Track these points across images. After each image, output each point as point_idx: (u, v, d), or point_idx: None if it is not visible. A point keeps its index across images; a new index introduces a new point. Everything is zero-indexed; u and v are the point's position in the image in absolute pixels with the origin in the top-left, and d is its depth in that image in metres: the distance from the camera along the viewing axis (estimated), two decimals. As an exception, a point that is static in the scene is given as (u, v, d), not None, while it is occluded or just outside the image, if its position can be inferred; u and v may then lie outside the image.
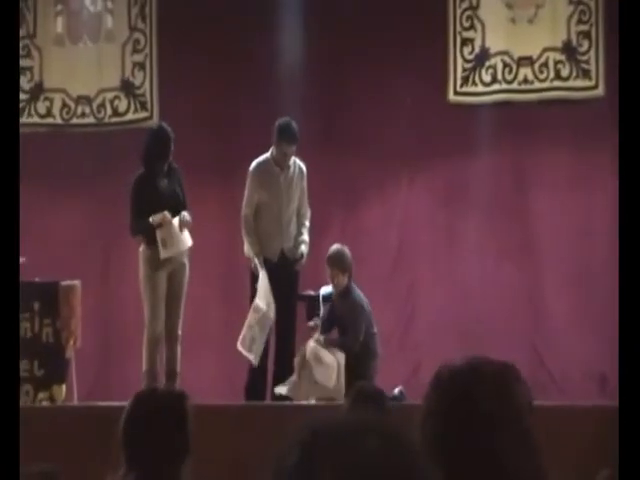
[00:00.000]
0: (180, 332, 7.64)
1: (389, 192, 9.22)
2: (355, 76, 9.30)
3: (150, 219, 7.49)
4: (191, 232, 7.65)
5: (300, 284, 8.03)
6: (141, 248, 7.64)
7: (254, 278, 7.66)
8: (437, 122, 9.12)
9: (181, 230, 7.56)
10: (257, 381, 7.61)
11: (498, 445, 1.71)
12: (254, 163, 7.73)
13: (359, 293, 7.82)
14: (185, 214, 7.60)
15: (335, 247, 7.87)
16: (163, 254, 7.46)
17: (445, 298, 9.04)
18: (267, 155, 7.73)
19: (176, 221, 7.56)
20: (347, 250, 7.81)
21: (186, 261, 7.67)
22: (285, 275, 7.71)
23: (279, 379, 7.62)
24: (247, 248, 7.73)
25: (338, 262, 7.73)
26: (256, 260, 7.66)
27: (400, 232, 9.17)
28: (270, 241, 7.72)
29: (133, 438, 3.04)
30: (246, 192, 7.77)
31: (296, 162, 7.81)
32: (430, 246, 9.19)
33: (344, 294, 7.75)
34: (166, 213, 7.49)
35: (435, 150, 9.19)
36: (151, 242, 7.53)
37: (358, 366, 7.48)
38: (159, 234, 7.47)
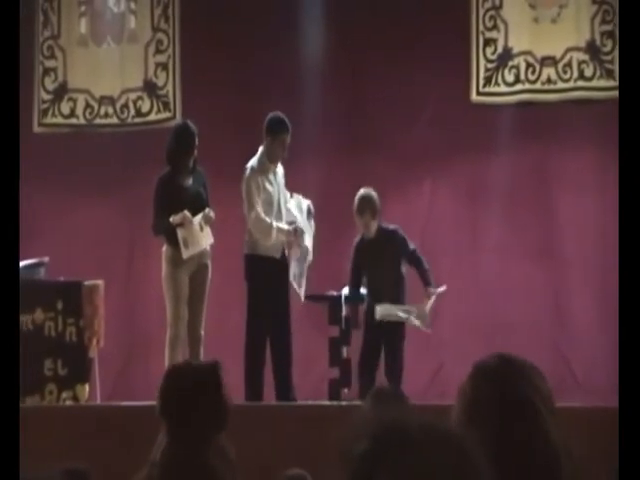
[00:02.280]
0: (202, 332, 7.65)
1: (412, 192, 9.19)
2: (377, 76, 9.29)
3: (171, 219, 7.50)
4: (213, 230, 7.64)
5: (322, 284, 8.02)
6: (164, 248, 7.66)
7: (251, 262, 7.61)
8: (460, 122, 9.10)
9: (203, 227, 7.56)
10: (255, 380, 7.59)
11: (541, 433, 1.76)
12: (247, 169, 7.63)
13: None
14: (209, 210, 7.61)
15: (363, 191, 7.66)
16: (185, 254, 7.48)
17: (468, 298, 9.02)
18: (257, 157, 7.65)
19: (197, 219, 7.56)
20: (374, 192, 7.66)
21: (208, 262, 7.68)
22: (287, 272, 7.67)
23: (280, 377, 7.59)
24: (274, 234, 7.60)
25: (369, 206, 7.56)
26: (288, 228, 7.55)
27: (423, 232, 9.15)
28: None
29: (171, 409, 3.08)
30: (249, 196, 7.63)
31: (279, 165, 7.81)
32: (453, 246, 9.17)
33: (379, 232, 7.61)
34: (186, 212, 7.49)
35: (458, 150, 9.17)
36: (172, 242, 7.55)
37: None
38: (180, 233, 7.48)
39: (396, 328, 7.64)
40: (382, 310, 7.56)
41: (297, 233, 7.55)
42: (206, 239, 7.59)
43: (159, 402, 3.11)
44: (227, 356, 8.74)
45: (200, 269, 7.63)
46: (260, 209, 7.60)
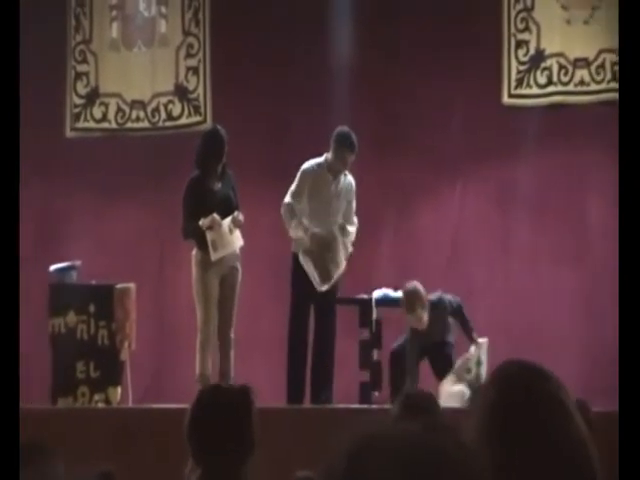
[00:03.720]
0: (233, 335, 7.64)
1: (443, 196, 9.15)
2: (408, 79, 9.26)
3: (200, 222, 7.51)
4: (243, 234, 7.64)
5: (352, 287, 8.00)
6: (194, 251, 7.67)
7: (296, 261, 7.58)
8: (491, 124, 9.06)
9: (232, 230, 7.56)
10: (297, 384, 7.59)
11: (569, 436, 1.75)
12: (308, 163, 7.66)
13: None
14: (238, 213, 7.61)
15: (409, 287, 7.63)
16: (213, 256, 7.48)
17: (499, 303, 8.97)
18: (321, 160, 7.68)
19: (227, 222, 7.56)
20: (418, 285, 7.64)
21: (238, 265, 7.69)
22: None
23: (318, 382, 7.57)
24: (294, 227, 7.58)
25: (419, 302, 7.55)
26: (308, 232, 7.52)
27: (454, 236, 9.10)
28: None
29: (198, 435, 3.04)
30: (294, 186, 7.63)
31: (347, 175, 7.75)
32: (484, 250, 9.11)
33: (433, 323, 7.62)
34: (215, 215, 7.50)
35: (489, 153, 9.12)
36: (202, 245, 7.55)
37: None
38: (209, 236, 7.48)
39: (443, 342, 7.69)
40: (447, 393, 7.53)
41: (312, 239, 7.50)
42: (236, 242, 7.59)
43: (187, 426, 3.06)
44: (257, 359, 8.83)
45: (230, 272, 7.63)
46: (294, 202, 7.57)
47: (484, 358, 7.57)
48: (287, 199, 7.62)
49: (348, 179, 7.76)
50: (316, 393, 7.62)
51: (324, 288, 7.53)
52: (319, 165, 7.65)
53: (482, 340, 7.69)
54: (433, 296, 7.70)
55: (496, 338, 8.63)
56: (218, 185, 7.66)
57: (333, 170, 7.61)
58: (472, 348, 7.65)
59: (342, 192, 7.68)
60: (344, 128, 7.64)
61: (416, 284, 7.62)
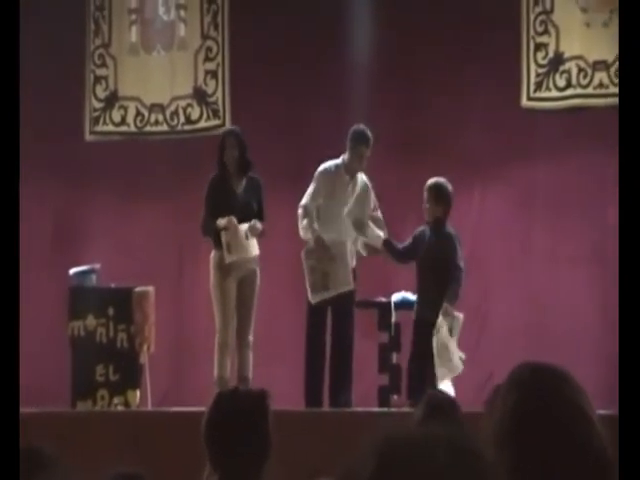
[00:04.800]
0: (251, 338, 7.63)
1: (461, 199, 8.96)
2: (427, 81, 9.24)
3: (217, 222, 7.52)
4: (259, 241, 7.64)
5: (372, 291, 7.99)
6: (212, 254, 7.68)
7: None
8: (510, 127, 9.01)
9: (248, 237, 7.56)
10: (315, 386, 7.58)
11: (587, 439, 1.75)
12: (325, 165, 7.69)
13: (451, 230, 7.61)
14: (256, 222, 7.60)
15: (433, 179, 7.61)
16: (227, 258, 7.49)
17: (519, 306, 8.93)
18: (338, 161, 7.69)
19: (244, 227, 7.55)
20: (446, 183, 7.55)
21: (257, 268, 7.69)
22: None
23: (336, 385, 7.55)
24: (305, 228, 7.59)
25: (431, 191, 7.49)
26: (314, 234, 7.50)
27: (473, 238, 9.03)
28: None
29: (215, 438, 3.03)
30: (311, 188, 7.66)
31: (363, 177, 7.77)
32: (503, 253, 9.09)
33: (436, 227, 7.52)
34: (232, 218, 7.50)
35: (508, 156, 9.08)
36: (218, 246, 7.58)
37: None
38: (224, 238, 7.50)
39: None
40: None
41: (316, 242, 7.49)
42: (251, 249, 7.58)
43: (204, 430, 3.06)
44: (277, 362, 8.82)
45: (249, 275, 7.64)
46: (311, 205, 7.58)
47: (456, 332, 7.42)
48: (303, 200, 7.65)
49: (364, 180, 7.77)
50: (335, 396, 7.61)
51: (314, 300, 7.51)
52: (336, 166, 7.67)
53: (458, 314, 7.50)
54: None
55: (514, 339, 8.72)
56: (240, 188, 7.68)
57: (350, 170, 7.63)
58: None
59: (359, 193, 7.70)
60: (359, 126, 7.68)
61: (442, 181, 7.54)
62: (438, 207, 7.48)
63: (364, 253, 7.70)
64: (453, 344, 7.38)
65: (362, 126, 7.66)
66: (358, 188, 7.71)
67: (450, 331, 7.34)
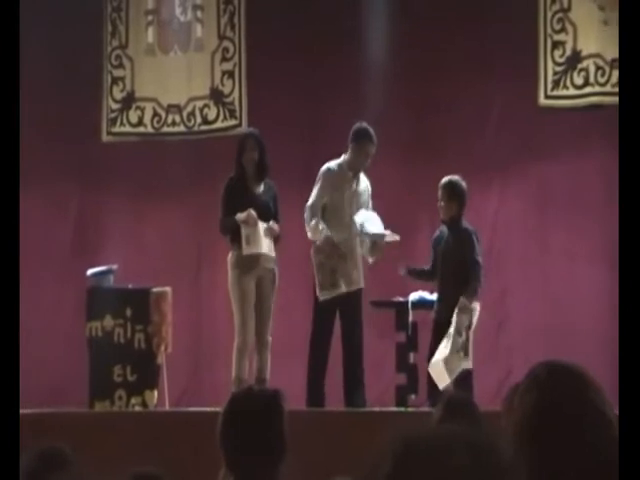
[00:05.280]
0: (270, 338, 7.62)
1: (479, 197, 8.97)
2: (444, 80, 9.20)
3: (236, 216, 7.51)
4: (276, 244, 7.63)
5: (389, 290, 7.98)
6: (230, 254, 7.66)
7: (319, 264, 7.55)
8: (527, 126, 8.96)
9: (267, 236, 7.55)
10: (317, 386, 7.56)
11: (603, 439, 1.77)
12: (328, 165, 7.66)
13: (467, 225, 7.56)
14: (273, 222, 7.61)
15: (447, 177, 7.59)
16: (246, 250, 7.44)
17: (537, 304, 8.88)
18: (339, 160, 7.67)
19: (262, 225, 7.55)
20: (460, 181, 7.52)
21: (275, 267, 7.67)
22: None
23: (351, 384, 7.52)
24: (313, 229, 7.57)
25: (446, 189, 7.47)
26: (322, 233, 7.48)
27: (491, 238, 8.99)
28: None
29: (230, 439, 3.02)
30: (316, 188, 7.62)
31: (363, 175, 7.78)
32: (522, 252, 9.03)
33: (452, 225, 7.48)
34: (251, 211, 7.49)
35: (526, 155, 9.03)
36: (236, 244, 7.55)
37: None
38: (244, 231, 7.47)
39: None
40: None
41: (326, 241, 7.49)
42: (268, 247, 7.56)
43: (219, 431, 3.05)
44: (296, 362, 8.80)
45: (266, 274, 7.61)
46: (318, 204, 7.57)
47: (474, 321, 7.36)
48: (309, 201, 7.64)
49: (365, 180, 7.77)
50: (350, 397, 7.58)
51: (322, 297, 7.48)
52: (339, 165, 7.65)
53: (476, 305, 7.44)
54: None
55: (534, 339, 8.68)
56: (259, 189, 7.69)
57: (354, 168, 7.61)
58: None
59: (360, 191, 7.70)
60: (362, 123, 7.65)
61: (456, 178, 7.52)
62: (453, 204, 7.46)
63: (370, 259, 7.67)
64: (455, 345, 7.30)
65: (365, 124, 7.64)
66: (361, 186, 7.71)
67: (469, 326, 7.29)
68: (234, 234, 7.56)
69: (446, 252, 7.44)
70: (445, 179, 7.56)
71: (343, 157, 7.66)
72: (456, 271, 7.37)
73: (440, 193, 7.50)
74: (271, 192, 7.73)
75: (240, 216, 7.50)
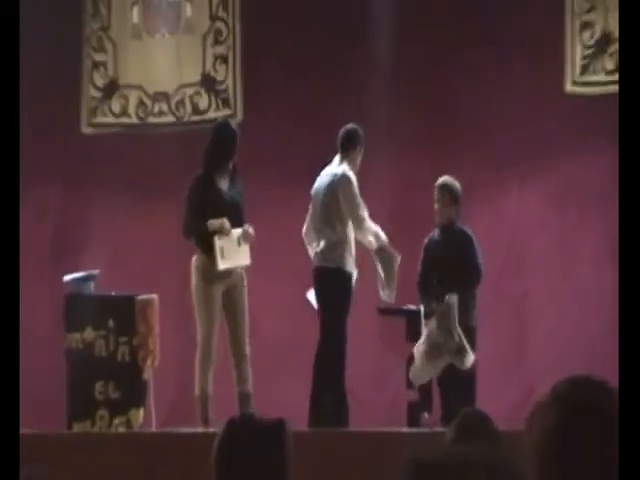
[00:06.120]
0: (248, 351, 7.35)
1: (499, 194, 8.89)
2: (464, 68, 9.04)
3: (208, 223, 7.22)
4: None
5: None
6: (194, 258, 7.41)
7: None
8: (553, 116, 8.80)
9: (242, 243, 7.30)
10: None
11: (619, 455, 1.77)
12: (347, 174, 7.49)
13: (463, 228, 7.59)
14: (248, 226, 7.35)
15: (443, 178, 7.61)
16: (221, 265, 7.21)
17: (559, 310, 8.73)
18: (346, 167, 7.50)
19: (237, 233, 7.30)
20: (456, 182, 7.55)
21: (243, 272, 7.41)
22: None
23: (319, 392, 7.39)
24: (372, 237, 7.48)
25: (441, 190, 7.46)
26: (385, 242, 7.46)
27: (510, 237, 8.88)
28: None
29: (226, 471, 2.91)
30: (358, 198, 7.48)
31: None
32: (543, 253, 8.86)
33: (447, 228, 7.47)
34: (225, 220, 7.23)
35: (550, 148, 8.84)
36: (206, 250, 7.26)
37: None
38: (218, 242, 7.22)
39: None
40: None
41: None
42: (243, 257, 7.33)
43: (214, 461, 2.92)
44: (282, 377, 8.42)
45: (237, 281, 7.36)
46: (363, 209, 7.52)
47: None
48: (360, 210, 7.50)
49: None
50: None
51: (389, 299, 7.50)
52: (351, 171, 7.51)
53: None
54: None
55: (552, 341, 8.63)
56: (226, 186, 7.42)
57: (356, 170, 7.57)
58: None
59: None
60: (353, 125, 7.56)
61: (452, 179, 7.57)
62: (451, 207, 7.47)
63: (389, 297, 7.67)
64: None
65: (355, 125, 7.59)
66: None
67: (448, 318, 7.27)
68: (203, 239, 7.28)
69: (441, 256, 7.42)
70: (441, 180, 7.54)
71: (344, 163, 7.51)
72: (455, 275, 7.34)
73: (437, 195, 7.49)
74: (239, 188, 7.52)
75: (213, 224, 7.19)
